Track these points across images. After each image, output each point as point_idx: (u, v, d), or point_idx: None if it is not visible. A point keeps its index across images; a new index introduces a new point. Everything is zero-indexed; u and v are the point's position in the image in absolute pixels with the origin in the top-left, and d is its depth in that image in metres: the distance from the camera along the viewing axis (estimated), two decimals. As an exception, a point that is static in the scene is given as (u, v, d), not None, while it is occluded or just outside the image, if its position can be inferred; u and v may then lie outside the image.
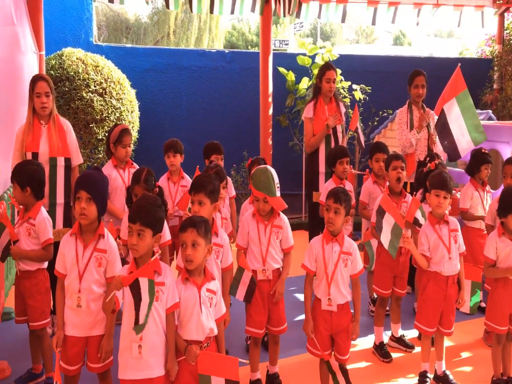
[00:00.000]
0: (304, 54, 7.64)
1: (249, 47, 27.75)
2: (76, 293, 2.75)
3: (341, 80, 7.49)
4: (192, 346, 2.43)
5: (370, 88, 7.60)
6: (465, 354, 3.92)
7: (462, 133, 4.68)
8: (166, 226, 3.31)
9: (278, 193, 3.13)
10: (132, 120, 7.35)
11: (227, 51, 8.46)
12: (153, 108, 8.18)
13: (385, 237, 3.35)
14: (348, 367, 3.61)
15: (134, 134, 7.39)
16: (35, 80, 4.11)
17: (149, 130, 7.98)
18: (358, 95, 7.51)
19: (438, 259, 3.32)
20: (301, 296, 4.38)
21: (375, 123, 7.78)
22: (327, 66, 4.96)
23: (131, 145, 4.14)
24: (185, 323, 2.51)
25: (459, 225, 3.41)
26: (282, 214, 3.25)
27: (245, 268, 2.99)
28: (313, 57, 7.52)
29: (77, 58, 7.14)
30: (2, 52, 5.61)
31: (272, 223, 3.17)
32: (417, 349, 3.84)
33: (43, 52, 6.26)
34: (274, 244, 3.16)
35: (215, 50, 8.42)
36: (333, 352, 3.12)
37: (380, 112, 7.86)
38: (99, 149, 6.87)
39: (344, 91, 7.59)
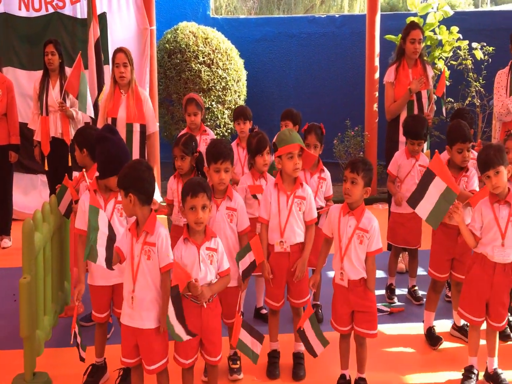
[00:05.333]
0: (415, 15, 6.93)
1: (413, 9, 25.74)
2: None
3: (458, 39, 6.69)
4: (191, 281, 2.48)
5: (493, 48, 6.65)
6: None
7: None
8: None
9: None
10: (239, 89, 7.53)
11: (337, 15, 8.10)
12: (262, 77, 8.24)
13: (425, 206, 2.92)
14: (397, 352, 3.43)
15: (241, 102, 7.56)
16: (115, 52, 4.48)
17: (258, 99, 8.09)
18: (479, 54, 6.63)
19: (487, 241, 2.90)
20: (328, 273, 4.15)
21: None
22: (412, 25, 4.50)
23: (198, 113, 4.25)
24: None
25: None
26: (305, 185, 3.12)
27: (253, 249, 2.85)
28: (424, 17, 6.81)
29: (189, 31, 7.52)
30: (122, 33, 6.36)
31: (295, 193, 3.05)
32: (482, 341, 3.41)
33: (154, 27, 6.73)
34: (296, 215, 3.03)
35: (325, 16, 8.13)
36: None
37: (508, 76, 6.85)
38: (206, 117, 7.19)
39: (464, 52, 6.77)
